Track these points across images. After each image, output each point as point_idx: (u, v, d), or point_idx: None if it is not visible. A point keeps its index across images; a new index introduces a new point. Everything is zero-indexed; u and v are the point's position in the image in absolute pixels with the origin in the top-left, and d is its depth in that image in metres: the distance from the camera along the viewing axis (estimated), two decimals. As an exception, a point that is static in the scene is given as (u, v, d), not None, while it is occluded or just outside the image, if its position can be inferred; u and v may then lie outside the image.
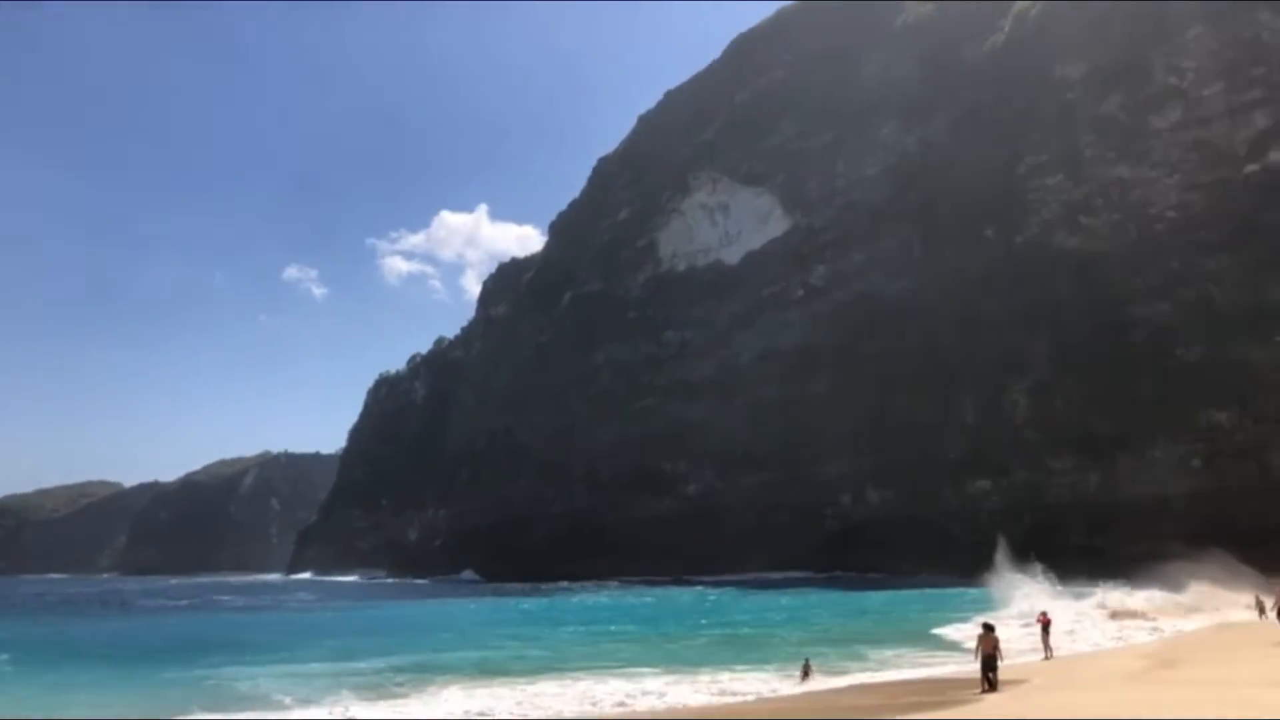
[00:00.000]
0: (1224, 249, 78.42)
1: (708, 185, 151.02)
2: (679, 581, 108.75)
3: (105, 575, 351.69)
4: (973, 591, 70.24)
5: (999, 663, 26.79)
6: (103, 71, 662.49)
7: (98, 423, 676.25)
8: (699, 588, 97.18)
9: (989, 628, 27.42)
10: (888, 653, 39.57)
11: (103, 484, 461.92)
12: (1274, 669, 25.23)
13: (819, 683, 31.10)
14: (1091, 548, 78.92)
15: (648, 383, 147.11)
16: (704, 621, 58.41)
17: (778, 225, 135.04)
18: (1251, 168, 78.61)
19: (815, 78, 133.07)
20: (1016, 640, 39.07)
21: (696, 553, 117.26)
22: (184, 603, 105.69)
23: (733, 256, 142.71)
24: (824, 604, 68.97)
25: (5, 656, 41.31)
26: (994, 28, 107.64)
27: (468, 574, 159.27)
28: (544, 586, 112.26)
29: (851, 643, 43.40)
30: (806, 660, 32.02)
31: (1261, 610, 44.57)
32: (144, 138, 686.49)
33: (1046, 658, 35.68)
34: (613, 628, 55.82)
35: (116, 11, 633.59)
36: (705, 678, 32.73)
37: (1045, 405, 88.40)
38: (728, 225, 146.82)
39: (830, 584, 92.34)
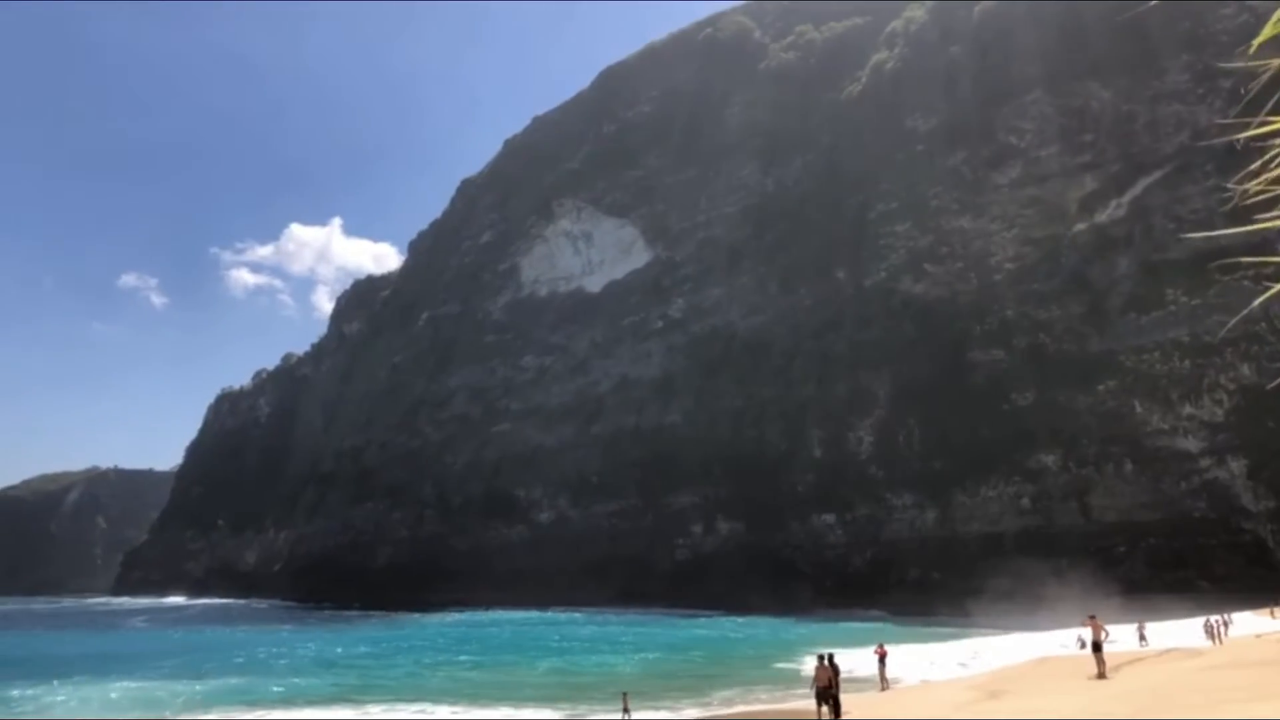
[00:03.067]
0: (1054, 300, 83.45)
1: (572, 213, 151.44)
2: (527, 609, 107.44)
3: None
4: (814, 625, 72.02)
5: (839, 693, 27.33)
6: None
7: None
8: (547, 614, 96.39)
9: (822, 658, 28.01)
10: (722, 687, 39.96)
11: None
12: (1092, 701, 26.61)
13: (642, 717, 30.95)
14: (928, 581, 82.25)
15: (504, 407, 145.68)
16: (533, 651, 57.74)
17: (640, 256, 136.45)
18: (1081, 226, 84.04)
19: (681, 114, 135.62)
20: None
21: (548, 581, 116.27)
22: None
23: (594, 285, 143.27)
24: (667, 635, 69.26)
25: None
26: (852, 77, 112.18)
27: (305, 600, 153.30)
28: (387, 614, 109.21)
29: (687, 676, 43.66)
30: (625, 695, 31.68)
31: (1082, 644, 47.06)
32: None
33: (882, 689, 36.72)
34: (440, 657, 54.64)
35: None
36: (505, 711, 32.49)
37: (888, 443, 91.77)
38: (590, 254, 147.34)
39: (677, 614, 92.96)
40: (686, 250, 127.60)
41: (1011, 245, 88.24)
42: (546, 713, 32.53)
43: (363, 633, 79.84)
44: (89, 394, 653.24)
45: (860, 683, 37.85)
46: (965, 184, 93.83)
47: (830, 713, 26.66)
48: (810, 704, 28.41)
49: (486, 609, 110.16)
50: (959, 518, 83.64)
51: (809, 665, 40.44)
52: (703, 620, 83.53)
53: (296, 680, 43.03)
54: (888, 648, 38.70)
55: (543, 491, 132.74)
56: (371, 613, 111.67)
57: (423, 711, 32.77)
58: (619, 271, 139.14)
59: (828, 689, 27.13)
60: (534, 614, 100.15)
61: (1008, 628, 60.70)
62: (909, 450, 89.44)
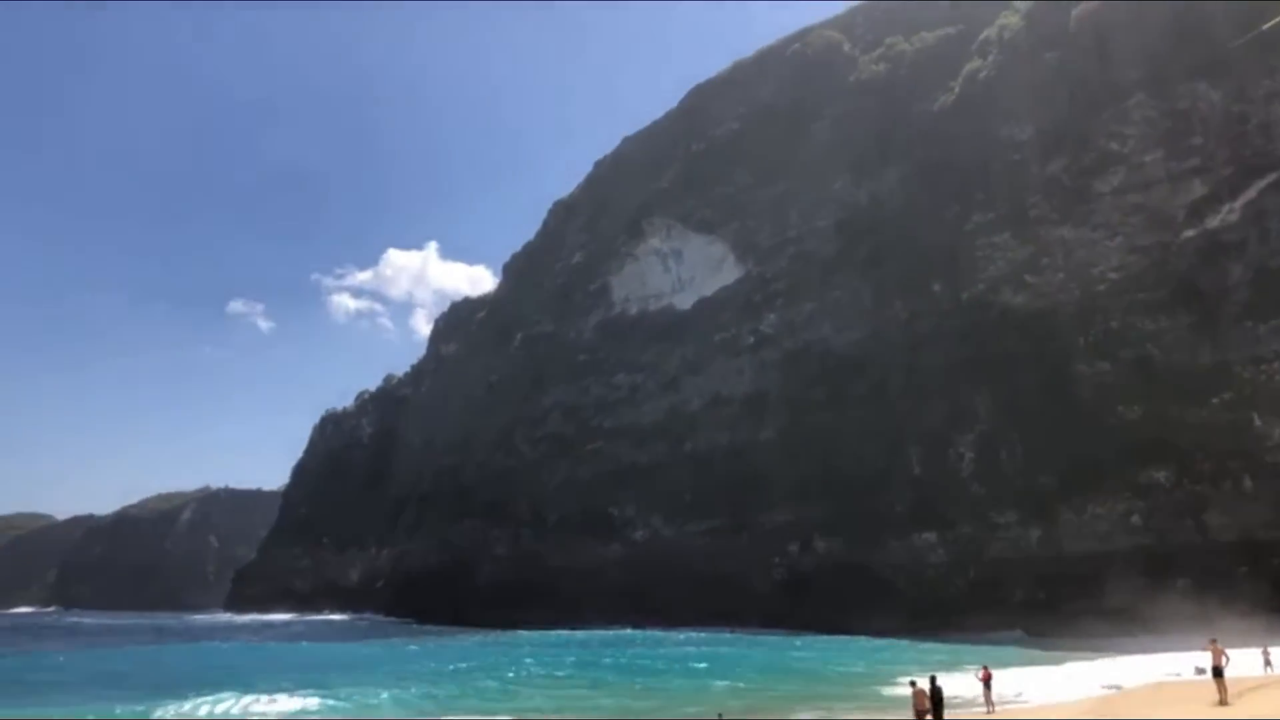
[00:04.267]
0: (1162, 310, 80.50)
1: (661, 231, 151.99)
2: (623, 628, 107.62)
3: (28, 609, 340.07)
4: (920, 645, 70.54)
5: (943, 715, 26.77)
6: (48, 93, 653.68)
7: (28, 453, 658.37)
8: (643, 633, 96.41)
9: (915, 682, 27.47)
10: (818, 708, 39.41)
11: (32, 516, 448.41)
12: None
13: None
14: (1034, 601, 79.85)
15: (596, 425, 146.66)
16: (630, 669, 57.65)
17: (730, 273, 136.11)
18: (1189, 232, 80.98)
19: (769, 130, 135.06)
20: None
21: (643, 600, 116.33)
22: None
23: (684, 302, 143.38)
24: (764, 655, 68.60)
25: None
26: (944, 87, 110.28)
27: (406, 616, 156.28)
28: (492, 631, 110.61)
29: (782, 697, 43.19)
30: (720, 715, 31.42)
31: (1201, 670, 45.12)
32: (85, 160, 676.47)
33: (989, 712, 35.83)
34: (557, 674, 55.01)
35: (58, 30, 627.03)
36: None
37: (990, 459, 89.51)
38: (680, 271, 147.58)
39: (773, 634, 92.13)
40: (778, 265, 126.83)
41: (1116, 254, 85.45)
42: None
43: (494, 649, 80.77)
44: (201, 416, 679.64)
45: (964, 706, 36.97)
46: (1065, 192, 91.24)
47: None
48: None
49: (583, 628, 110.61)
50: (1066, 536, 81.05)
51: (908, 688, 39.75)
52: (799, 641, 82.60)
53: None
54: (993, 670, 37.75)
55: (636, 510, 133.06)
56: (476, 630, 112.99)
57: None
58: (709, 288, 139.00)
59: (923, 712, 26.63)
60: (631, 632, 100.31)
61: (1120, 651, 58.54)
62: (1012, 467, 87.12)
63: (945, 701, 28.08)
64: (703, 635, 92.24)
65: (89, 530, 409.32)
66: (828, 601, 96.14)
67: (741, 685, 48.81)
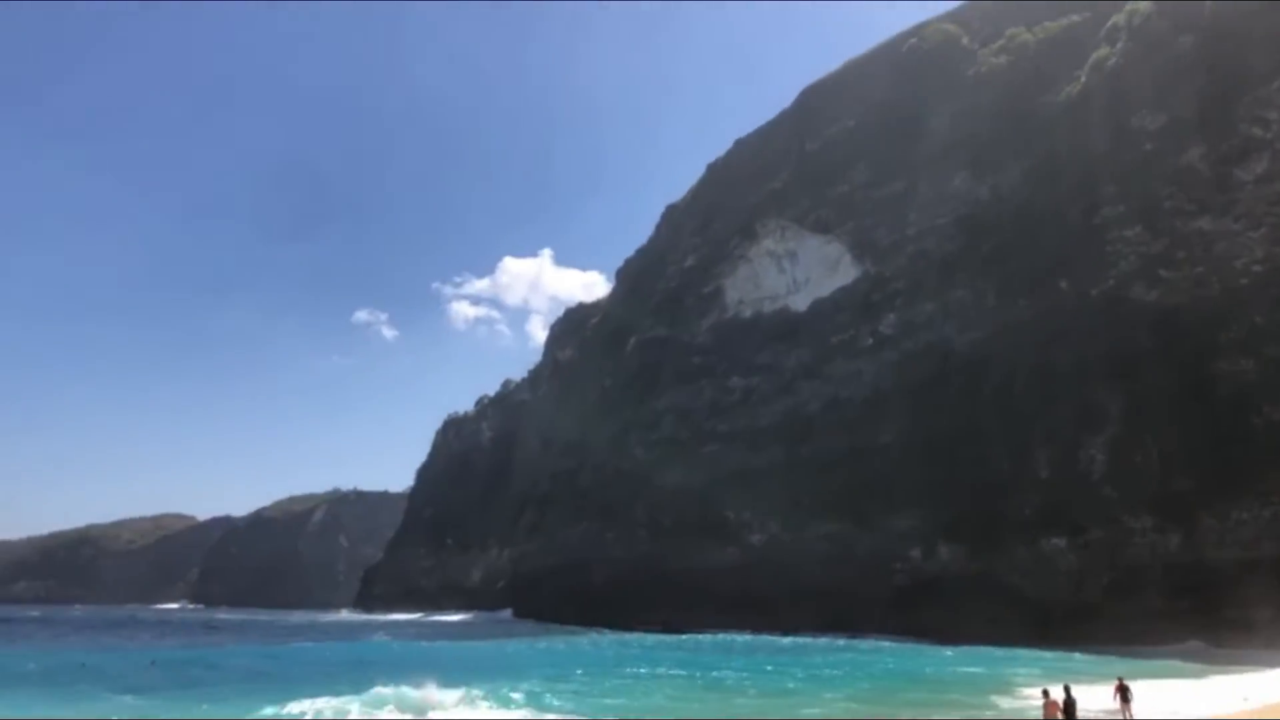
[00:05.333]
0: (1313, 304, 75.88)
1: (776, 232, 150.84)
2: (739, 632, 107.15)
3: (175, 605, 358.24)
4: (1048, 654, 68.24)
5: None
6: (175, 115, 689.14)
7: (174, 458, 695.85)
8: (758, 637, 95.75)
9: (1048, 692, 26.55)
10: (940, 716, 38.49)
11: (177, 517, 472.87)
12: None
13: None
14: (1173, 610, 76.11)
15: (711, 429, 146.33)
16: (743, 675, 57.19)
17: (846, 273, 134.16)
18: (1341, 221, 76.14)
19: (885, 127, 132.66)
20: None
21: (760, 604, 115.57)
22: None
23: (800, 304, 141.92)
24: (886, 662, 67.33)
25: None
26: (1069, 78, 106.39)
27: (526, 616, 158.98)
28: (605, 631, 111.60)
29: (902, 705, 42.31)
30: None
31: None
32: (214, 178, 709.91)
33: (1126, 725, 34.40)
34: (675, 673, 55.09)
35: (188, 73, 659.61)
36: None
37: (1123, 462, 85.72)
38: (795, 273, 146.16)
39: (894, 640, 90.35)
40: (896, 265, 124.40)
41: (1260, 246, 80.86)
42: None
43: (608, 646, 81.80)
44: (330, 421, 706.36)
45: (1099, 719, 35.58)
46: (1203, 182, 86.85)
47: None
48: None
49: (698, 631, 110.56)
50: (1208, 542, 76.97)
51: (1032, 698, 38.49)
52: (921, 648, 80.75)
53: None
54: (1129, 682, 36.24)
55: (753, 514, 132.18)
56: (595, 630, 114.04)
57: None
58: (825, 289, 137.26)
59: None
60: (747, 637, 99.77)
61: (1266, 664, 55.33)
62: (1147, 469, 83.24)
63: (1078, 714, 27.08)
64: (820, 641, 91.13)
65: (227, 531, 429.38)
66: (951, 608, 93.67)
67: (860, 693, 48.03)
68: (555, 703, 39.57)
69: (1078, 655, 67.49)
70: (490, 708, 37.43)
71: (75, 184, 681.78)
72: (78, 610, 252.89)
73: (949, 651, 76.30)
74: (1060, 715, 26.00)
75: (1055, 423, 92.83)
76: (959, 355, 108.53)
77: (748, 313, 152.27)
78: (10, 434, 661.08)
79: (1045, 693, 27.13)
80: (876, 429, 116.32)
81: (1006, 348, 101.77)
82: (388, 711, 33.33)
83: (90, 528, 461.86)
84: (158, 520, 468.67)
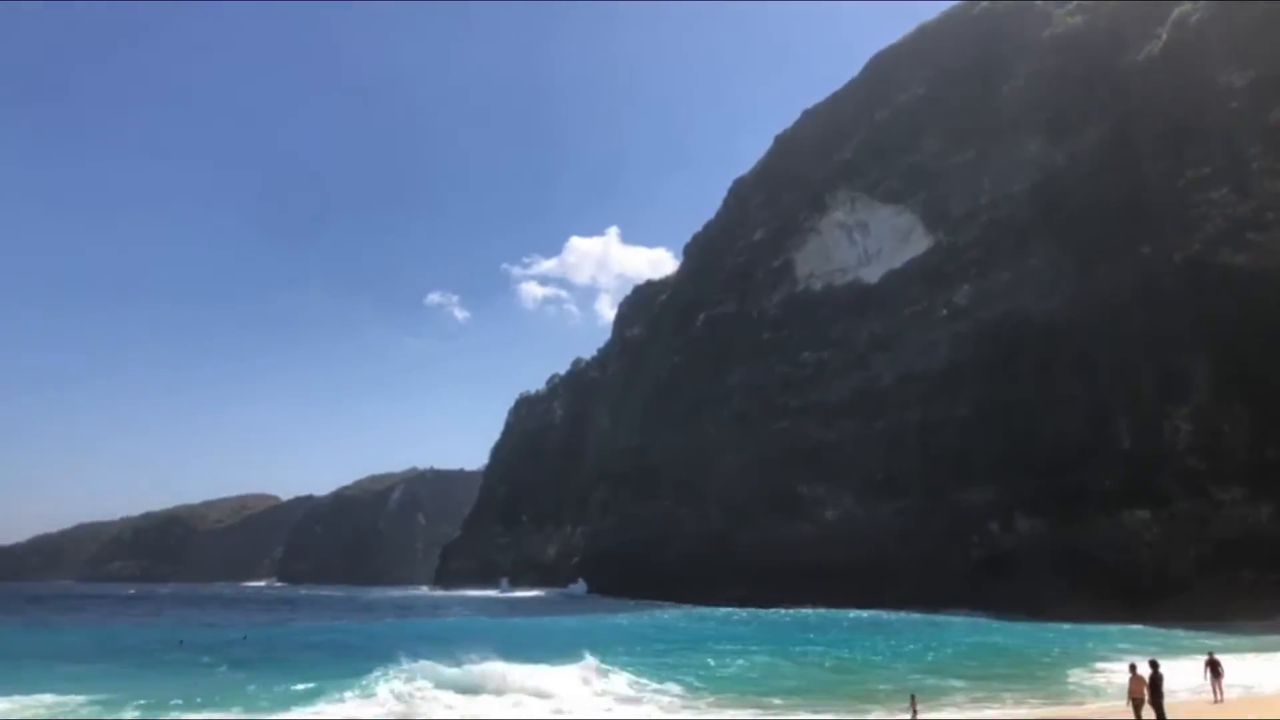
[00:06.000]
0: None
1: (846, 204, 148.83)
2: (814, 607, 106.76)
3: (262, 583, 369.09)
4: (1132, 629, 66.83)
5: (1161, 702, 25.32)
6: (248, 107, 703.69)
7: (257, 440, 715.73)
8: (833, 612, 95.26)
9: (1134, 667, 26.01)
10: (1020, 691, 37.96)
11: (262, 497, 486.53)
12: None
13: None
14: (1266, 584, 73.83)
15: (783, 404, 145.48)
16: (820, 648, 56.90)
17: (919, 243, 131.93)
18: None
19: (957, 93, 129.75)
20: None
21: (835, 579, 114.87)
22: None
23: (872, 275, 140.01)
24: (960, 637, 66.49)
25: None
26: (1150, 35, 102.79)
27: (602, 592, 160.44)
28: (678, 606, 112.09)
29: (979, 679, 41.79)
30: (913, 696, 30.60)
31: None
32: (291, 163, 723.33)
33: (1216, 700, 33.59)
34: (752, 648, 55.14)
35: (251, 62, 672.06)
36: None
37: (1210, 431, 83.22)
38: (866, 244, 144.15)
39: (971, 616, 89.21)
40: (970, 234, 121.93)
41: (1355, 205, 77.53)
42: (828, 714, 32.25)
43: (687, 621, 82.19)
44: (406, 401, 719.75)
45: (1188, 696, 34.76)
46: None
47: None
48: (1117, 714, 26.50)
49: (772, 606, 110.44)
50: (1301, 514, 74.44)
51: (1114, 674, 37.74)
52: (999, 624, 79.61)
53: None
54: (1219, 657, 35.29)
55: (826, 489, 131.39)
56: (669, 605, 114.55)
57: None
58: (897, 260, 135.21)
59: (1140, 701, 25.21)
60: (824, 612, 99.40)
61: None
62: (1235, 439, 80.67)
63: (1166, 691, 26.44)
64: (895, 616, 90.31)
65: (310, 510, 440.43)
66: (1030, 582, 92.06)
67: (937, 667, 47.57)
68: (679, 679, 39.70)
69: (1163, 630, 65.93)
70: (627, 683, 37.80)
71: (156, 168, 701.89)
72: (170, 588, 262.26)
73: (1028, 626, 75.15)
74: (1146, 691, 25.40)
75: (1137, 392, 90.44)
76: (1035, 325, 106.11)
77: (818, 286, 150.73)
78: (101, 418, 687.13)
79: (1132, 668, 26.55)
80: (951, 401, 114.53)
81: (1085, 316, 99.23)
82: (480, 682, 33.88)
83: (179, 508, 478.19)
84: (243, 500, 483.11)
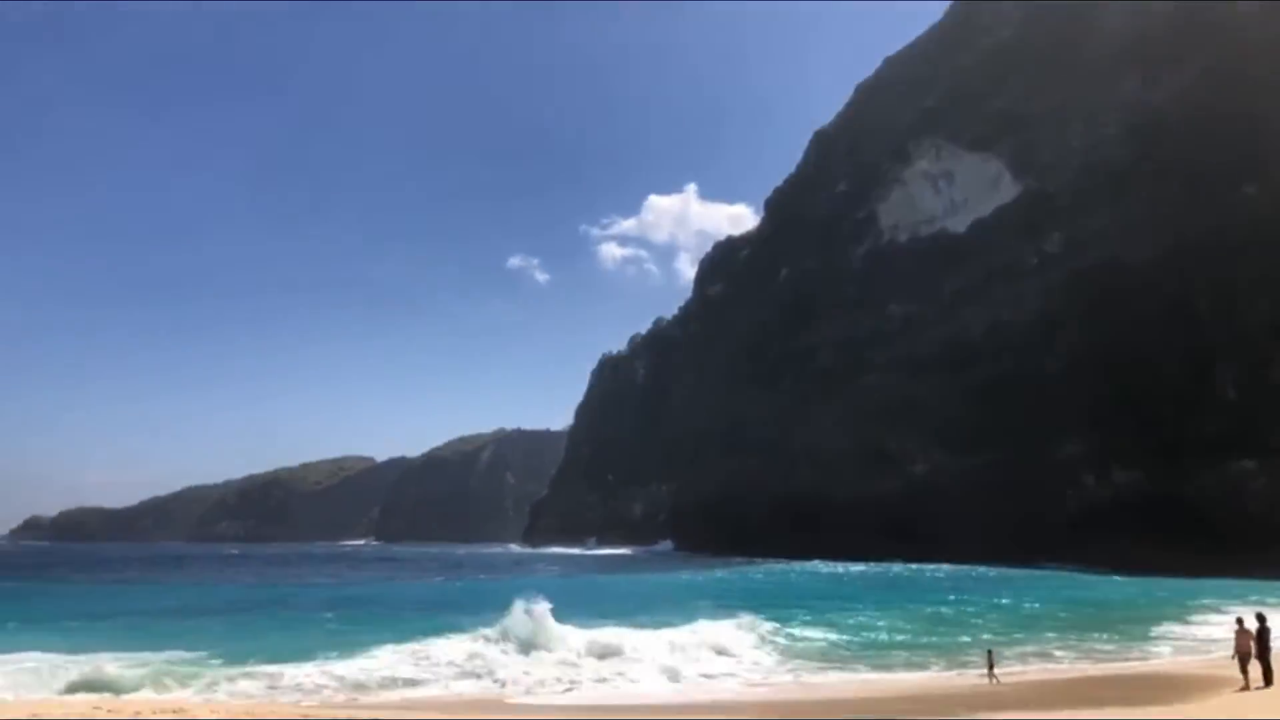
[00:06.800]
0: None
1: (930, 152, 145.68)
2: (903, 562, 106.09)
3: (360, 542, 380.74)
4: (1235, 583, 65.00)
5: (1268, 657, 24.83)
6: (325, 84, 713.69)
7: (352, 403, 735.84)
8: (925, 568, 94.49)
9: (1242, 620, 25.48)
10: (1118, 646, 37.33)
11: (358, 459, 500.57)
12: None
13: (1018, 676, 29.58)
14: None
15: (869, 359, 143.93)
16: (921, 604, 56.58)
17: (1007, 191, 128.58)
18: None
19: (1046, 34, 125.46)
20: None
21: (925, 534, 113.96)
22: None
23: (959, 225, 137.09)
24: (1055, 591, 65.46)
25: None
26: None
27: (689, 549, 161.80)
28: (767, 561, 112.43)
29: (1069, 632, 41.15)
30: (989, 652, 30.19)
31: None
32: (374, 135, 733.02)
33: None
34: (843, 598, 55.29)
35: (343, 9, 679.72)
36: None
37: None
38: (952, 193, 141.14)
39: (1064, 570, 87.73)
40: (1061, 179, 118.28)
41: None
42: (902, 672, 32.11)
43: (768, 578, 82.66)
44: (491, 364, 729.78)
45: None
46: None
47: (1262, 679, 24.30)
48: (1221, 670, 26.04)
49: (860, 560, 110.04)
50: None
51: (1223, 628, 36.87)
52: (1095, 578, 78.09)
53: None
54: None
55: (915, 443, 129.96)
56: (757, 561, 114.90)
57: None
58: (985, 209, 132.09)
59: (1247, 654, 24.72)
60: (913, 567, 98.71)
61: None
62: (1348, 386, 77.49)
63: (1274, 646, 25.86)
64: (983, 570, 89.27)
65: (403, 471, 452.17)
66: (1127, 536, 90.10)
67: (1030, 620, 47.07)
68: (820, 633, 39.73)
69: (1268, 584, 63.92)
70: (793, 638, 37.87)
71: (251, 129, 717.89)
72: (274, 548, 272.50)
73: (1124, 580, 73.67)
74: (1254, 645, 24.89)
75: (1241, 339, 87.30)
76: (1132, 271, 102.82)
77: (904, 237, 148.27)
78: (204, 388, 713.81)
79: (1238, 621, 25.98)
80: (1044, 352, 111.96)
81: (1185, 261, 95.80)
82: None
83: (279, 471, 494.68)
84: (339, 463, 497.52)
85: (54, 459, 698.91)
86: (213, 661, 28.78)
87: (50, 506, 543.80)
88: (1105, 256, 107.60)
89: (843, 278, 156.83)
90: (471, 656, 30.57)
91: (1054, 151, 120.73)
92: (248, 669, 27.25)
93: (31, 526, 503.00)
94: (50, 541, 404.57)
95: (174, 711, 16.39)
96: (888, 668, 32.50)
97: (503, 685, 28.04)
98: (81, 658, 28.04)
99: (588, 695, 26.98)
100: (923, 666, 32.88)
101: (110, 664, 26.81)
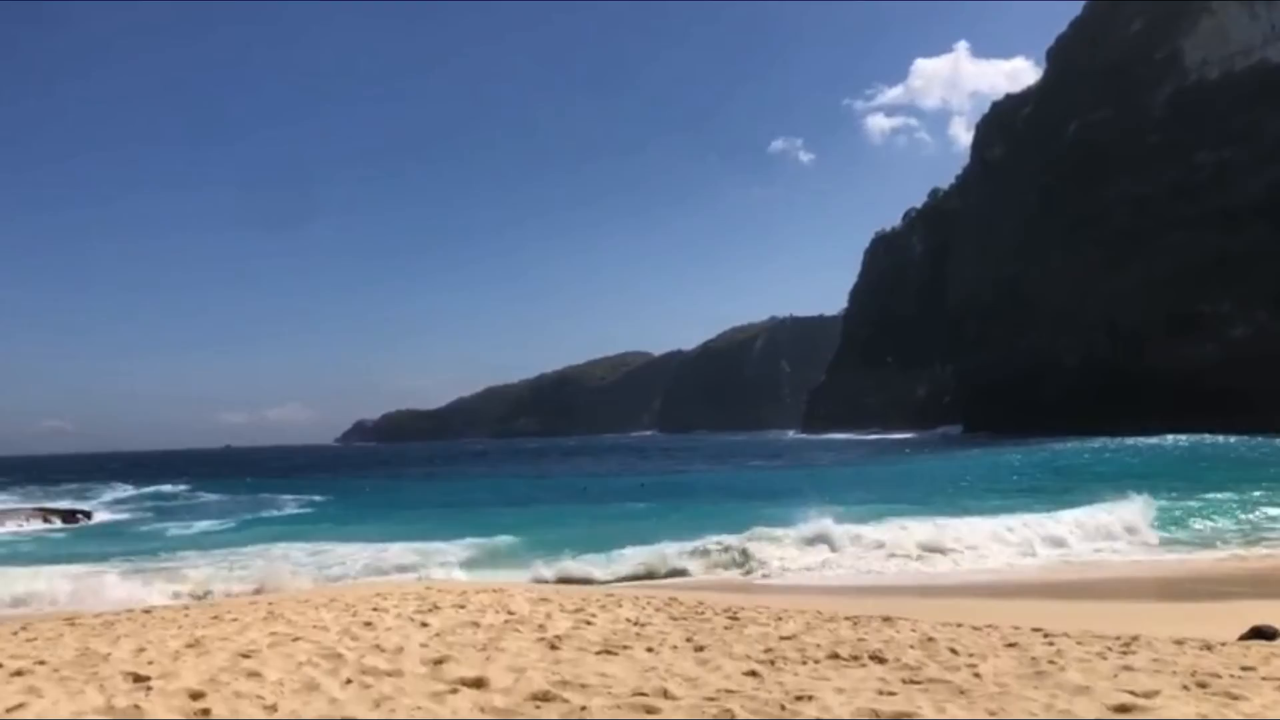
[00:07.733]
0: None
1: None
2: (1223, 435, 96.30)
3: (648, 433, 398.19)
4: None
5: None
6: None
7: (628, 299, 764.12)
8: (1248, 440, 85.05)
9: None
10: None
11: (638, 354, 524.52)
12: None
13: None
14: None
15: (1176, 215, 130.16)
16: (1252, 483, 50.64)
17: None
18: None
19: None
20: None
21: (1243, 403, 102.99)
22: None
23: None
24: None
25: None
26: None
27: (975, 430, 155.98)
28: (1070, 441, 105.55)
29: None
30: None
31: None
32: (643, 31, 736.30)
33: None
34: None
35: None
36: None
37: None
38: (1273, 17, 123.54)
39: None
40: None
41: None
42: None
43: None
44: (759, 252, 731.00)
45: None
46: None
47: None
48: None
49: (1171, 432, 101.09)
50: None
51: None
52: None
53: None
54: None
55: (1233, 304, 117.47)
56: (1062, 439, 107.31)
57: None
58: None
59: None
60: (1232, 440, 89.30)
61: None
62: None
63: None
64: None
65: (680, 363, 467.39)
66: None
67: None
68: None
69: None
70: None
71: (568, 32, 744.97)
72: (569, 441, 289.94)
73: None
74: None
75: None
76: None
77: (1214, 74, 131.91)
78: (498, 287, 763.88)
79: None
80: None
81: None
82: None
83: (568, 369, 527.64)
84: (621, 358, 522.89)
85: (379, 369, 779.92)
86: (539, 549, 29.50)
87: (374, 410, 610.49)
88: None
89: (1141, 127, 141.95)
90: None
91: None
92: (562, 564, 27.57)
93: (358, 430, 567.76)
94: (375, 443, 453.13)
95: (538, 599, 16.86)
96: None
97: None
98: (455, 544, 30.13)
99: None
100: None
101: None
